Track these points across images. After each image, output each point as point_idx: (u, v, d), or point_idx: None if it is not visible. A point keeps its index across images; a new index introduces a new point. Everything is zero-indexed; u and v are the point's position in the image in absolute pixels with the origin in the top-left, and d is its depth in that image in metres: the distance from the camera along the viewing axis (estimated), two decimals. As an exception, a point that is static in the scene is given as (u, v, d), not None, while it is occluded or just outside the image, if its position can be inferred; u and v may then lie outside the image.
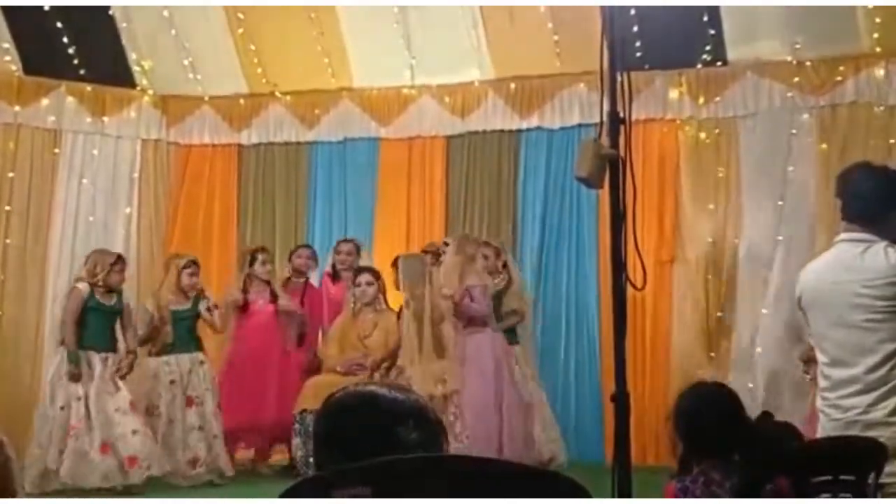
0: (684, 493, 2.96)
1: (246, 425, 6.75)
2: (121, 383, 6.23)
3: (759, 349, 6.79)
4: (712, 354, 6.94)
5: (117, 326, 6.40)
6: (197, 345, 6.62)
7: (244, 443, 6.98)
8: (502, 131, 7.61)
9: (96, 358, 6.22)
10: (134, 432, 6.05)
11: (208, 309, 6.59)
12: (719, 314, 6.99)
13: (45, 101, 7.62)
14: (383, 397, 1.49)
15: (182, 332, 6.53)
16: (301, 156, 8.00)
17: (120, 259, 6.48)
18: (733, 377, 6.59)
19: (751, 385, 6.61)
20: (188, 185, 8.05)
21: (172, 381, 6.43)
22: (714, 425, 3.00)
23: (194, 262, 6.68)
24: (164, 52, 7.67)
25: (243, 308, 6.87)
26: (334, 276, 7.05)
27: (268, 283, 6.92)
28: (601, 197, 6.40)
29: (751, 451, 2.96)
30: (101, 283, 6.28)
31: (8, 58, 7.46)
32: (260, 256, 6.96)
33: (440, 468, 1.16)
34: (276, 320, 6.88)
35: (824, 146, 6.87)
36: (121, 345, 6.39)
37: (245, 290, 6.90)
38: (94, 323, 6.27)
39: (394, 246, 7.34)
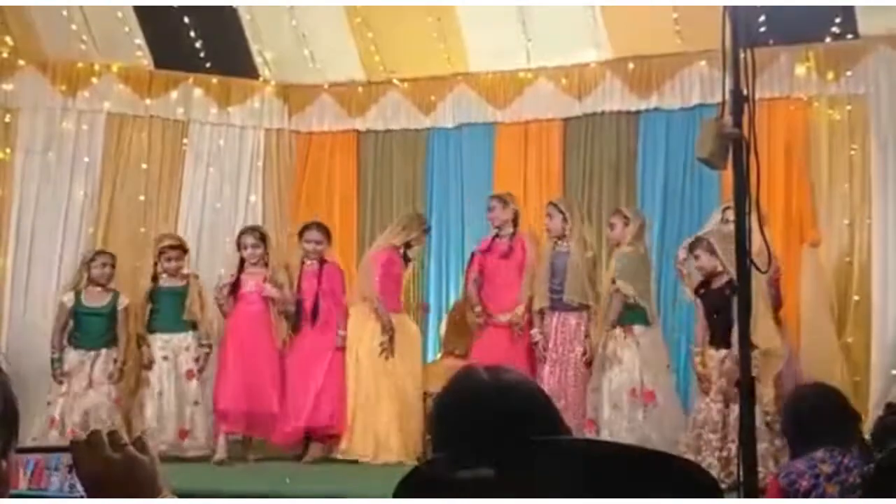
0: (790, 485, 3.00)
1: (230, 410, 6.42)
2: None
3: None
4: (849, 340, 6.65)
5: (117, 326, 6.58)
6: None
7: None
8: (620, 112, 7.48)
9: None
10: None
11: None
12: (856, 298, 6.68)
13: (174, 94, 7.93)
14: (507, 383, 1.53)
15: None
16: (418, 142, 8.05)
17: (100, 254, 6.73)
18: (875, 363, 6.33)
19: (894, 372, 6.34)
20: (310, 172, 8.22)
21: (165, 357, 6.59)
22: (817, 428, 3.07)
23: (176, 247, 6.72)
24: (284, 42, 7.86)
25: (233, 290, 6.56)
26: None
27: (264, 265, 6.55)
28: (724, 178, 6.23)
29: (880, 439, 2.96)
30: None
31: (140, 53, 7.81)
32: (245, 239, 6.61)
33: (567, 451, 1.16)
34: (266, 307, 6.53)
35: (966, 124, 6.50)
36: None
37: (240, 271, 6.58)
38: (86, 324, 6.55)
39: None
